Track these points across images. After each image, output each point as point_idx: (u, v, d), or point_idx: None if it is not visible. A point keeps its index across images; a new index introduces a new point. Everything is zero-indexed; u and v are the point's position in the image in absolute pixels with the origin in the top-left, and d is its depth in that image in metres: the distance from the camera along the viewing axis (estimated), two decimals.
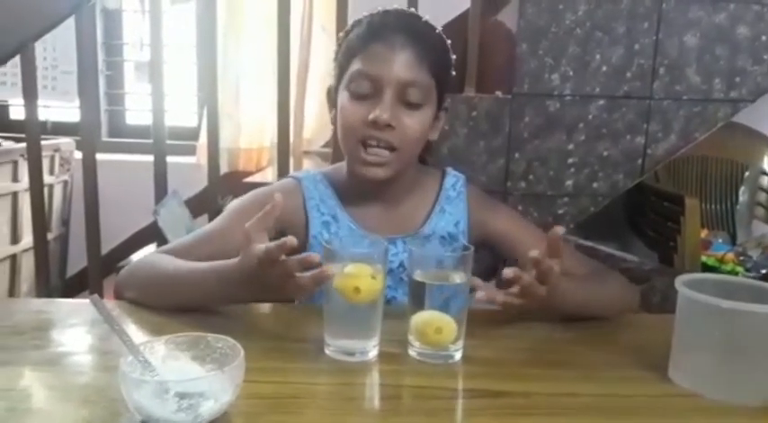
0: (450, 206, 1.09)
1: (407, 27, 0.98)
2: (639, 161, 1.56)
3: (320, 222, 1.06)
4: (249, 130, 2.48)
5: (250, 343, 0.70)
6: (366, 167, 0.98)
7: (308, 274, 0.79)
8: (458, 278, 0.82)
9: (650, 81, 1.52)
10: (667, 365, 0.80)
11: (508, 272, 0.81)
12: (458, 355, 0.82)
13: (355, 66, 0.97)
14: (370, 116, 0.94)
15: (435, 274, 0.82)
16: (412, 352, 0.82)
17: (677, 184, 2.51)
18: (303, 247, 1.05)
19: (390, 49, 0.95)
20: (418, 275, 0.81)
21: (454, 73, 1.06)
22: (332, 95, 1.05)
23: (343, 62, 1.01)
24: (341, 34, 1.05)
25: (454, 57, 1.05)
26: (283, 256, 0.79)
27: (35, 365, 0.78)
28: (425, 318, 0.80)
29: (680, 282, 0.77)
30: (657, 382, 0.78)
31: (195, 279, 0.91)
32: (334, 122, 1.05)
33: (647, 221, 2.26)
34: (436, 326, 0.79)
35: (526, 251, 0.86)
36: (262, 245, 0.81)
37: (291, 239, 0.78)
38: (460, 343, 0.82)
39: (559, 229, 0.84)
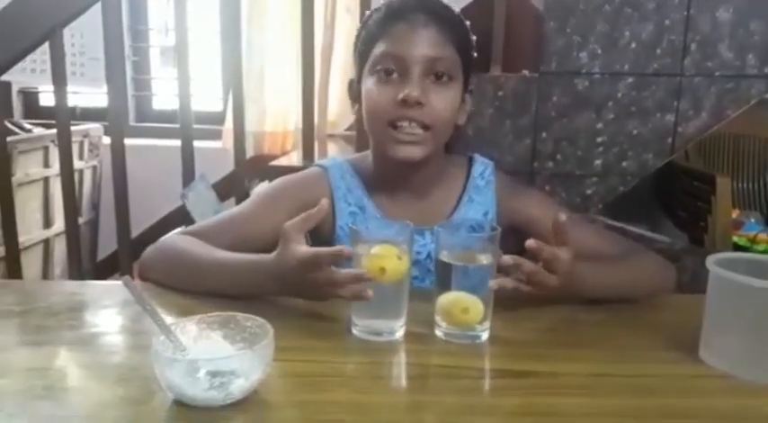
0: (479, 196, 1.07)
1: (428, 7, 0.97)
2: (669, 140, 1.53)
3: (347, 213, 1.05)
4: (274, 113, 2.49)
5: (280, 322, 0.70)
6: (399, 147, 0.96)
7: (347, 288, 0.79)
8: (484, 259, 0.81)
9: (681, 57, 1.49)
10: (698, 346, 0.79)
11: (507, 259, 0.80)
12: (485, 336, 0.82)
13: (379, 49, 0.96)
14: (400, 95, 0.93)
15: (462, 255, 0.82)
16: (438, 332, 0.82)
17: (708, 163, 2.46)
18: (330, 236, 1.06)
19: (413, 28, 0.94)
20: (445, 256, 0.81)
21: (476, 54, 1.04)
22: (354, 88, 1.04)
23: (364, 50, 0.99)
24: (358, 26, 1.04)
25: (475, 38, 1.03)
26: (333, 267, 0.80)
27: (70, 345, 0.79)
28: (452, 298, 0.80)
29: (711, 261, 0.76)
30: (688, 362, 0.77)
31: (225, 269, 0.92)
32: (358, 116, 1.03)
33: (677, 201, 2.22)
34: (462, 306, 0.79)
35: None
36: (303, 247, 0.81)
37: (349, 251, 0.78)
38: (487, 323, 0.82)
39: (562, 217, 0.83)
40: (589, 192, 1.56)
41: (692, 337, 0.79)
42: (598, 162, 1.54)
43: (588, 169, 1.55)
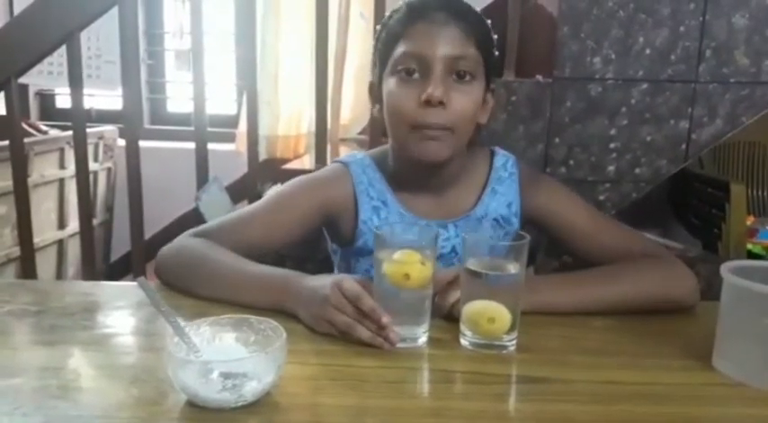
0: (503, 187, 1.06)
1: (449, 5, 0.95)
2: (683, 146, 1.52)
3: (370, 207, 1.04)
4: (287, 117, 2.49)
5: (296, 326, 0.70)
6: (422, 145, 0.94)
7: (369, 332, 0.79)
8: (512, 268, 0.79)
9: (696, 64, 1.48)
10: (711, 354, 0.78)
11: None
12: (512, 346, 0.80)
13: (400, 49, 0.95)
14: (423, 96, 0.91)
15: (489, 263, 0.80)
16: (464, 341, 0.81)
17: (722, 170, 2.44)
18: (352, 231, 1.05)
19: (434, 27, 0.93)
20: (471, 264, 0.80)
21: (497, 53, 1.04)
22: (374, 90, 1.03)
23: (384, 50, 0.98)
24: (378, 26, 1.02)
25: (496, 37, 1.02)
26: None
27: (85, 345, 0.80)
28: (478, 307, 0.79)
29: (726, 268, 0.75)
30: (701, 370, 0.77)
31: (245, 282, 0.91)
32: (379, 117, 1.02)
33: (690, 208, 2.21)
34: (489, 316, 0.78)
35: (574, 227, 1.01)
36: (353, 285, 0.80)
37: (394, 336, 0.78)
38: (515, 334, 0.80)
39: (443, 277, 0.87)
40: (602, 198, 1.55)
41: (706, 345, 0.79)
42: (611, 168, 1.54)
43: (601, 175, 1.54)
